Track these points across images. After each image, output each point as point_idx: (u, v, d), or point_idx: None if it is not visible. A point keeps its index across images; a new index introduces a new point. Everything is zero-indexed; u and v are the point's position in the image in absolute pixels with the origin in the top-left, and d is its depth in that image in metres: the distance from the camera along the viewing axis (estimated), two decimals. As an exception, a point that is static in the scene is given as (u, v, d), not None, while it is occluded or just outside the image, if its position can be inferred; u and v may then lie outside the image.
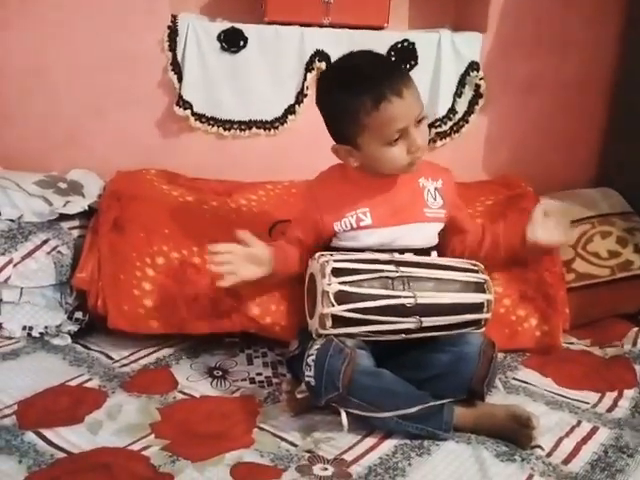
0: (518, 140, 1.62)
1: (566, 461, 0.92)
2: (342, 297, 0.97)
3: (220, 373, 1.14)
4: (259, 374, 1.15)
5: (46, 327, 1.22)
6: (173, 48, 1.43)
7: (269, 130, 1.51)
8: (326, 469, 0.89)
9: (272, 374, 1.15)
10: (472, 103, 1.56)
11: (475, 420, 0.97)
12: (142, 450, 0.91)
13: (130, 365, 1.15)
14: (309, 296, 1.05)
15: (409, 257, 1.04)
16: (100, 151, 1.49)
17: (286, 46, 1.45)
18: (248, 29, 1.44)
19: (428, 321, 0.99)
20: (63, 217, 1.29)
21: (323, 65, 1.46)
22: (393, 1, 1.46)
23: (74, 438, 0.93)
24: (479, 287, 1.03)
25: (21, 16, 1.40)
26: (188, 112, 1.46)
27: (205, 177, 1.47)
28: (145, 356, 1.19)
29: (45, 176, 1.38)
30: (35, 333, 1.22)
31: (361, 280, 0.98)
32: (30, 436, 0.92)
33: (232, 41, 1.44)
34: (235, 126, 1.50)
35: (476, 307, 1.02)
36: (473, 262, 1.06)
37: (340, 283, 0.97)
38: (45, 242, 1.24)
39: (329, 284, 0.97)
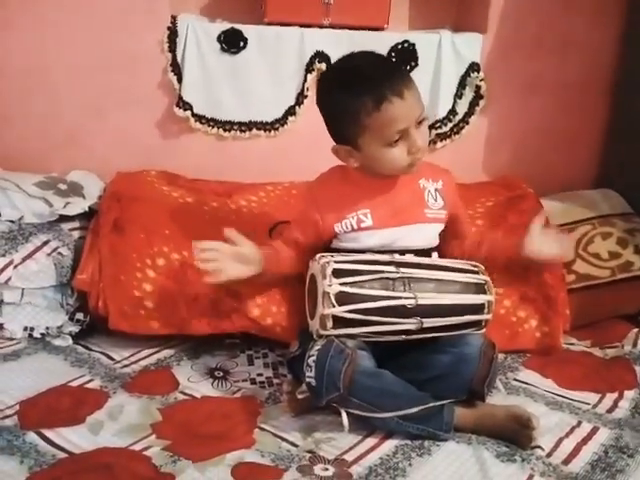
0: (518, 141, 1.62)
1: (566, 461, 0.93)
2: (343, 298, 0.97)
3: (221, 374, 1.14)
4: (260, 375, 1.15)
5: (47, 328, 1.22)
6: (173, 49, 1.44)
7: (269, 131, 1.51)
8: (327, 469, 0.89)
9: (273, 375, 1.15)
10: (472, 104, 1.56)
11: (476, 421, 0.98)
12: (143, 450, 0.91)
13: (131, 366, 1.16)
14: (310, 297, 1.05)
15: (410, 258, 1.04)
16: (100, 152, 1.49)
17: (286, 47, 1.46)
18: (248, 30, 1.44)
19: (429, 322, 0.99)
20: (63, 218, 1.29)
21: (323, 66, 1.46)
22: (393, 2, 1.47)
23: (75, 438, 0.93)
24: (480, 288, 1.03)
25: (21, 16, 1.40)
26: (188, 113, 1.46)
27: (205, 178, 1.47)
28: (146, 357, 1.19)
29: (45, 177, 1.38)
30: (36, 334, 1.22)
31: (362, 281, 0.98)
32: (31, 436, 0.92)
33: (232, 42, 1.44)
34: (235, 127, 1.50)
35: (477, 308, 1.02)
36: (474, 263, 1.06)
37: (341, 284, 0.97)
38: (45, 243, 1.24)
39: (330, 285, 0.97)
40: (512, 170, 1.59)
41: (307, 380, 0.96)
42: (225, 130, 1.50)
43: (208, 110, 1.48)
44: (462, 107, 1.56)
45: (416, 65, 1.50)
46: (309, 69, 1.48)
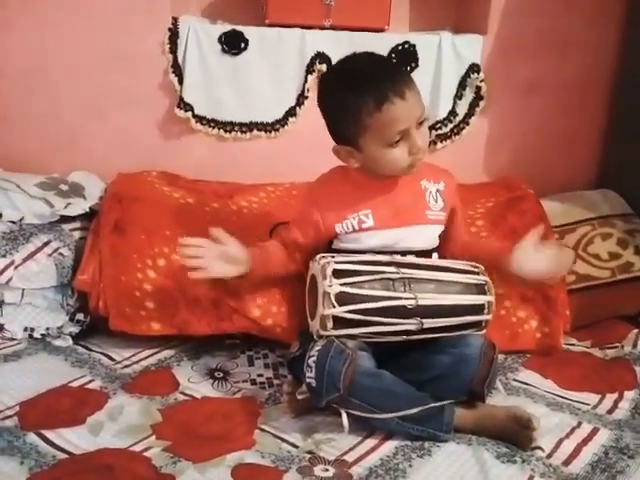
0: (519, 142, 1.62)
1: (566, 462, 0.93)
2: (343, 298, 0.97)
3: (221, 374, 1.14)
4: (260, 375, 1.15)
5: (48, 328, 1.22)
6: (174, 50, 1.44)
7: (270, 132, 1.51)
8: (327, 470, 0.89)
9: (273, 375, 1.15)
10: (473, 105, 1.56)
11: (476, 421, 0.98)
12: (143, 451, 0.91)
13: (131, 366, 1.16)
14: (310, 297, 1.05)
15: (410, 259, 1.05)
16: (101, 153, 1.49)
17: (287, 48, 1.46)
18: (249, 31, 1.44)
19: (429, 322, 0.99)
20: (64, 219, 1.29)
21: (324, 67, 1.46)
22: (394, 3, 1.46)
23: (76, 439, 0.93)
24: (480, 289, 1.03)
25: (22, 16, 1.40)
26: (189, 114, 1.46)
27: (206, 179, 1.47)
28: (146, 357, 1.19)
29: (46, 178, 1.38)
30: (37, 334, 1.22)
31: (362, 281, 0.98)
32: (32, 437, 0.92)
33: (233, 43, 1.44)
34: (236, 128, 1.50)
35: (477, 309, 1.02)
36: (474, 264, 1.06)
37: (341, 284, 0.97)
38: (46, 244, 1.24)
39: (330, 285, 0.97)
40: (512, 171, 1.59)
41: (307, 381, 0.96)
42: (226, 131, 1.50)
43: (209, 111, 1.48)
44: (462, 108, 1.56)
45: (416, 66, 1.50)
46: (310, 70, 1.48)
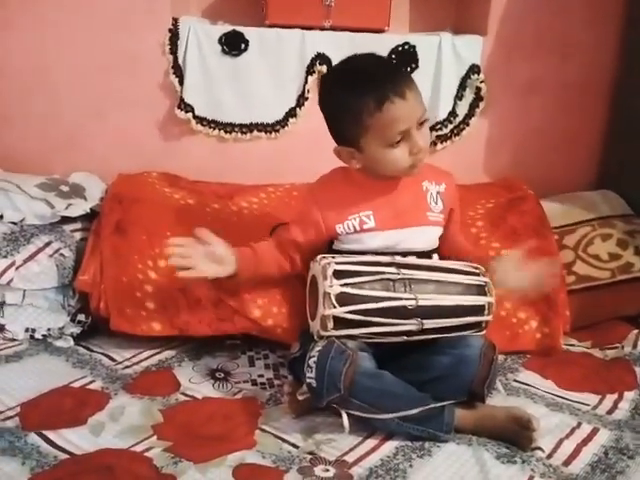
0: (519, 143, 1.63)
1: (566, 463, 0.93)
2: (344, 299, 0.97)
3: (222, 375, 1.15)
4: (261, 376, 1.15)
5: (49, 329, 1.22)
6: (174, 51, 1.44)
7: (270, 133, 1.52)
8: (327, 470, 0.89)
9: (274, 376, 1.15)
10: (473, 106, 1.56)
11: (476, 422, 0.98)
12: (145, 452, 0.91)
13: (132, 367, 1.16)
14: (311, 298, 1.05)
15: (410, 260, 1.05)
16: (101, 153, 1.50)
17: (287, 49, 1.46)
18: (249, 32, 1.44)
19: (429, 323, 0.99)
20: (65, 220, 1.29)
21: (324, 68, 1.46)
22: (394, 4, 1.47)
23: (77, 440, 0.93)
24: (480, 289, 1.03)
25: (22, 16, 1.40)
26: (189, 115, 1.46)
27: (206, 180, 1.47)
28: (147, 358, 1.19)
29: (47, 179, 1.38)
30: (38, 335, 1.22)
31: (363, 282, 0.98)
32: (33, 438, 0.93)
33: (233, 44, 1.44)
34: (236, 129, 1.51)
35: (477, 309, 1.02)
36: (474, 265, 1.06)
37: (342, 285, 0.97)
38: (47, 245, 1.24)
39: (331, 286, 0.97)
40: (512, 171, 1.59)
41: (308, 381, 0.96)
42: (226, 132, 1.50)
43: (209, 112, 1.48)
44: (462, 109, 1.56)
45: (416, 67, 1.50)
46: (310, 71, 1.48)
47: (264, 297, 1.18)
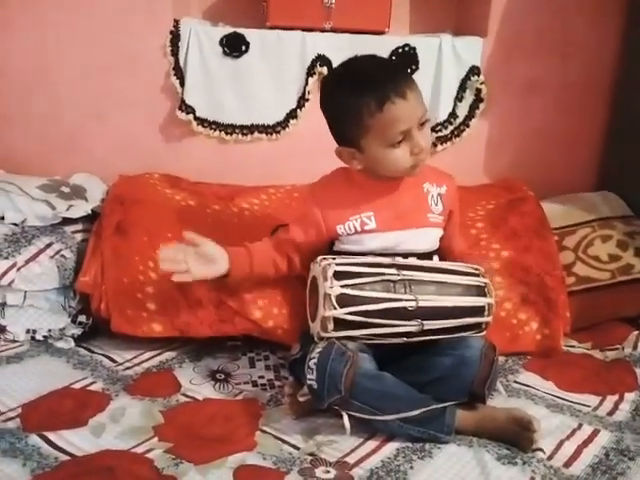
0: (519, 144, 1.63)
1: (567, 464, 0.93)
2: (344, 300, 0.97)
3: (223, 376, 1.15)
4: (261, 377, 1.15)
5: (50, 330, 1.23)
6: (175, 53, 1.44)
7: (271, 134, 1.52)
8: (328, 472, 0.89)
9: (274, 377, 1.15)
10: (473, 107, 1.57)
11: (476, 423, 0.98)
12: (145, 453, 0.91)
13: (133, 368, 1.16)
14: (311, 299, 1.05)
15: (411, 261, 1.05)
16: (102, 155, 1.50)
17: (288, 51, 1.46)
18: (250, 34, 1.45)
19: (429, 324, 0.99)
20: (66, 221, 1.29)
21: (324, 70, 1.47)
22: (394, 5, 1.47)
23: (78, 441, 0.93)
24: (480, 290, 1.03)
25: (23, 16, 1.40)
26: (190, 116, 1.47)
27: (207, 181, 1.48)
28: (148, 359, 1.19)
29: (48, 180, 1.38)
30: (39, 336, 1.22)
31: (363, 283, 0.98)
32: (34, 439, 0.93)
33: (234, 46, 1.44)
34: (237, 130, 1.51)
35: (477, 310, 1.02)
36: (474, 266, 1.07)
37: (342, 286, 0.97)
38: (48, 246, 1.24)
39: (331, 287, 0.97)
40: (513, 172, 1.59)
41: (308, 383, 0.96)
42: (227, 133, 1.51)
43: (210, 113, 1.49)
44: (462, 110, 1.56)
45: (417, 69, 1.50)
46: (310, 73, 1.48)
47: (265, 298, 1.18)
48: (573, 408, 1.07)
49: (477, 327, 1.03)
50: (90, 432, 0.96)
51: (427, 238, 1.10)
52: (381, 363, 1.00)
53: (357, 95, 0.99)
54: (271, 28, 1.45)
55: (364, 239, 1.07)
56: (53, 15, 1.41)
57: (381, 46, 1.45)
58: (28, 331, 1.22)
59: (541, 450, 0.94)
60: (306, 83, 1.49)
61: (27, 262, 1.22)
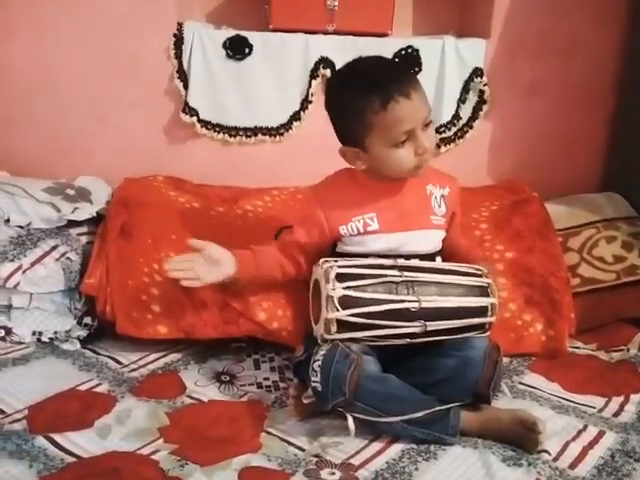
0: (522, 145, 1.63)
1: (573, 465, 0.93)
2: (346, 302, 0.97)
3: (228, 378, 1.15)
4: (266, 379, 1.15)
5: (55, 332, 1.23)
6: (179, 55, 1.45)
7: (274, 136, 1.52)
8: (333, 473, 0.90)
9: (279, 379, 1.15)
10: (476, 109, 1.57)
11: (481, 424, 0.98)
12: (151, 454, 0.92)
13: (139, 370, 1.16)
14: (314, 302, 1.05)
15: (413, 262, 1.05)
16: (105, 157, 1.51)
17: (291, 53, 1.47)
18: (253, 36, 1.45)
19: (433, 325, 0.99)
20: (71, 223, 1.30)
21: (328, 72, 1.47)
22: (397, 8, 1.47)
23: (84, 443, 0.93)
24: (483, 291, 1.03)
25: (24, 18, 1.40)
26: (194, 119, 1.47)
27: (211, 183, 1.48)
28: (153, 361, 1.19)
29: (53, 183, 1.39)
30: (45, 338, 1.23)
31: (365, 285, 0.98)
32: (40, 441, 0.93)
33: (237, 48, 1.45)
34: (241, 133, 1.51)
35: (480, 311, 1.02)
36: (477, 267, 1.06)
37: (344, 288, 0.97)
38: (54, 248, 1.25)
39: (333, 289, 0.97)
40: (516, 174, 1.59)
41: (313, 385, 0.97)
42: (231, 135, 1.51)
43: (214, 116, 1.49)
44: (466, 112, 1.56)
45: (420, 70, 1.50)
46: (314, 75, 1.49)
47: (269, 300, 1.19)
48: (578, 409, 1.07)
49: (481, 328, 1.02)
50: (96, 434, 0.96)
51: (430, 239, 1.10)
52: (385, 365, 1.00)
53: (362, 94, 1.00)
54: (274, 31, 1.46)
55: (367, 240, 1.07)
56: (55, 18, 1.41)
57: (384, 48, 1.45)
58: (34, 333, 1.23)
59: (546, 451, 0.94)
60: (309, 85, 1.49)
61: (33, 264, 1.22)
